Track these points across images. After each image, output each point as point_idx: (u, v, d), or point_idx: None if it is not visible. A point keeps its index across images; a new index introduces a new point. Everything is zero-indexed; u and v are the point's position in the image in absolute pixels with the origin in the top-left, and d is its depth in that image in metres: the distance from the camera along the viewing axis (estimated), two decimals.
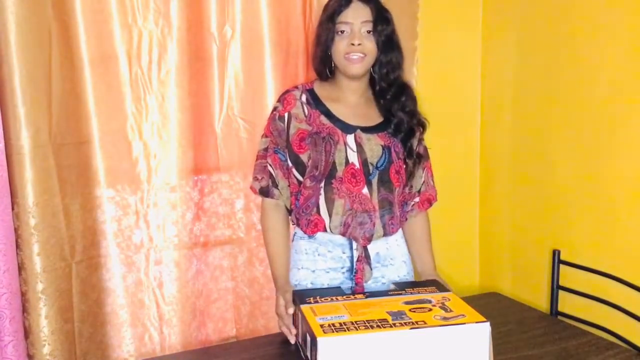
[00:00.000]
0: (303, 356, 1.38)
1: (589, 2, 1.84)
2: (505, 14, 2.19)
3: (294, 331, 1.47)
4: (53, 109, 1.67)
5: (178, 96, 1.82)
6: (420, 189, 1.68)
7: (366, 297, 1.43)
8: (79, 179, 1.74)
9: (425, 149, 1.69)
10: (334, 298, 1.42)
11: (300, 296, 1.45)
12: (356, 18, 1.50)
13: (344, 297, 1.43)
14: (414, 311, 1.33)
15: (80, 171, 1.74)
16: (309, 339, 1.30)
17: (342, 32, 1.51)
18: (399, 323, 1.27)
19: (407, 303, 1.38)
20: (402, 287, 1.50)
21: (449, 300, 1.40)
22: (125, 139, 1.79)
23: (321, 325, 1.27)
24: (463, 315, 1.32)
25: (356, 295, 1.44)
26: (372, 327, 1.26)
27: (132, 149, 1.80)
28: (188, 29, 1.81)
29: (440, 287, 1.51)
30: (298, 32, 1.95)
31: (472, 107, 2.34)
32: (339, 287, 1.54)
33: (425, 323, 1.28)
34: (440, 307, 1.36)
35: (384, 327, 1.26)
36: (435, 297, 1.42)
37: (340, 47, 1.51)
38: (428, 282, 1.56)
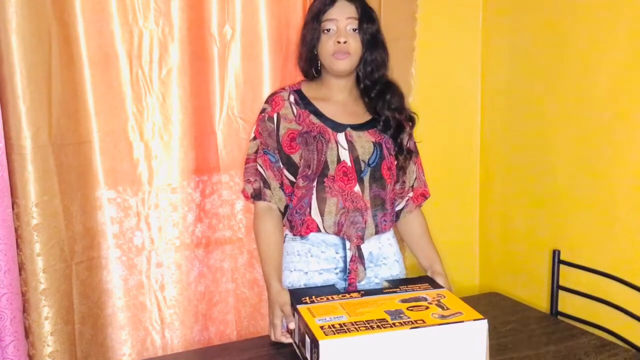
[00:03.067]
0: (301, 357, 1.38)
1: (589, 1, 1.84)
2: (505, 14, 2.19)
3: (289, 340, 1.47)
4: (53, 109, 1.66)
5: (179, 96, 1.82)
6: (413, 184, 1.68)
7: (362, 295, 1.42)
8: (79, 180, 1.74)
9: (415, 144, 1.69)
10: (329, 297, 1.42)
11: (296, 296, 1.44)
12: (341, 15, 1.51)
13: (340, 296, 1.43)
14: (412, 310, 1.34)
15: (81, 172, 1.74)
16: (308, 340, 1.30)
17: (328, 30, 1.52)
18: (399, 322, 1.27)
19: (403, 301, 1.38)
20: (395, 284, 1.50)
21: (444, 297, 1.41)
22: (126, 139, 1.79)
23: (321, 327, 1.26)
24: (460, 312, 1.32)
25: (351, 294, 1.44)
26: (372, 327, 1.26)
27: (132, 149, 1.80)
28: (189, 28, 1.81)
29: (433, 283, 1.51)
30: (298, 32, 1.94)
31: (472, 107, 2.34)
32: (333, 285, 1.54)
33: (424, 322, 1.28)
34: (436, 304, 1.36)
35: (384, 327, 1.26)
36: (430, 294, 1.42)
37: (327, 46, 1.52)
38: (421, 278, 1.56)
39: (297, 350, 1.41)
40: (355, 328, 1.25)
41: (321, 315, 1.31)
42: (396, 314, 1.32)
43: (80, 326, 1.76)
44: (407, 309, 1.34)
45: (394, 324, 1.27)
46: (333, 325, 1.27)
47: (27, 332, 1.68)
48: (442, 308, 1.35)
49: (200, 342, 1.93)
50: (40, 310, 1.67)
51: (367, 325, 1.27)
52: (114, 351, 1.83)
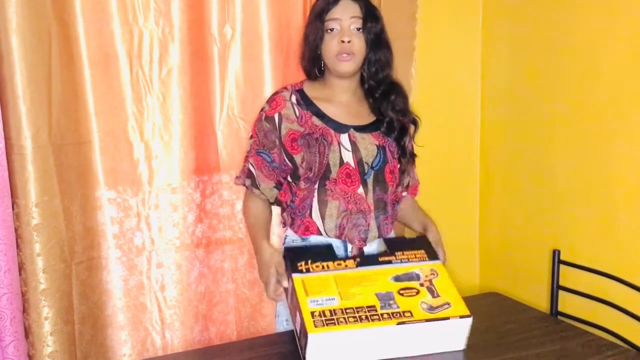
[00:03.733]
0: (292, 325, 1.40)
1: (589, 2, 1.84)
2: (505, 14, 2.19)
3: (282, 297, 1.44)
4: (53, 109, 1.66)
5: (179, 96, 1.81)
6: (408, 184, 1.69)
7: (357, 265, 1.43)
8: (79, 180, 1.74)
9: (413, 146, 1.69)
10: (325, 266, 1.42)
11: (291, 257, 1.43)
12: (345, 14, 1.49)
13: (336, 264, 1.43)
14: (402, 294, 1.37)
15: (81, 172, 1.74)
16: (298, 320, 1.33)
17: (332, 30, 1.50)
18: (387, 313, 1.32)
19: (396, 279, 1.40)
20: (392, 249, 1.50)
21: (437, 276, 1.43)
22: (126, 139, 1.79)
23: (312, 313, 1.30)
24: (448, 304, 1.36)
25: (347, 263, 1.43)
26: (360, 319, 1.30)
27: (133, 149, 1.80)
28: (189, 28, 1.80)
29: (429, 250, 1.50)
30: (298, 32, 1.94)
31: (472, 107, 2.34)
32: (331, 245, 1.51)
33: (411, 315, 1.33)
34: (427, 288, 1.39)
35: (373, 319, 1.30)
36: (424, 269, 1.44)
37: (330, 46, 1.50)
38: (418, 240, 1.55)
39: (290, 313, 1.43)
40: (344, 319, 1.30)
41: (314, 294, 1.34)
42: (386, 299, 1.35)
43: (80, 326, 1.76)
44: (398, 292, 1.37)
45: (382, 315, 1.31)
46: (323, 313, 1.30)
47: (27, 332, 1.68)
48: (432, 294, 1.38)
49: (200, 342, 1.93)
50: (40, 310, 1.67)
51: (356, 315, 1.31)
52: (114, 352, 1.83)
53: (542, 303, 2.05)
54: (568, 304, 1.95)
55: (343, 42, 1.48)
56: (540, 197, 2.07)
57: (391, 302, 1.35)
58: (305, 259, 1.42)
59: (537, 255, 2.08)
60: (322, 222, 1.53)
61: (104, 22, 1.72)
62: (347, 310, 1.32)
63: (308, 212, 1.53)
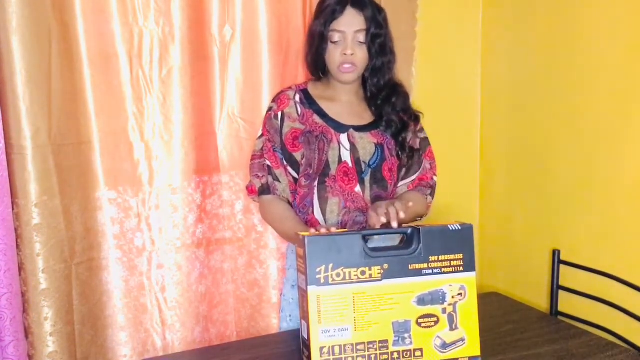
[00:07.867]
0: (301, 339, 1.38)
1: (589, 2, 1.84)
2: (505, 14, 2.19)
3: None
4: (53, 109, 1.66)
5: (180, 96, 1.81)
6: (417, 174, 1.68)
7: (383, 276, 1.29)
8: (79, 180, 1.73)
9: (423, 139, 1.69)
10: (347, 274, 1.27)
11: (312, 256, 1.26)
12: (349, 27, 1.50)
13: (359, 272, 1.28)
14: (420, 324, 1.31)
15: (81, 172, 1.73)
16: (305, 335, 1.30)
17: (336, 41, 1.51)
18: (397, 352, 1.29)
19: (419, 302, 1.31)
20: (428, 248, 1.32)
21: (464, 298, 1.34)
22: (126, 139, 1.78)
23: (321, 349, 1.26)
24: (463, 340, 1.34)
25: (372, 271, 1.28)
26: (369, 358, 1.28)
27: (133, 150, 1.80)
28: (189, 28, 1.80)
29: (468, 253, 1.34)
30: (298, 33, 1.94)
31: (472, 107, 2.34)
32: (359, 236, 1.30)
33: (421, 354, 1.31)
34: (448, 316, 1.33)
35: (382, 356, 1.28)
36: (454, 287, 1.33)
37: (333, 57, 1.52)
38: (460, 233, 1.34)
39: (299, 303, 1.37)
40: (352, 358, 1.27)
41: (327, 322, 1.27)
42: (402, 331, 1.30)
43: (81, 327, 1.75)
44: (417, 321, 1.31)
45: (392, 354, 1.29)
46: (332, 350, 1.26)
47: (27, 332, 1.67)
48: (451, 326, 1.33)
49: (201, 344, 1.92)
50: (40, 310, 1.67)
51: (365, 354, 1.28)
52: (114, 352, 1.82)
53: (542, 303, 2.05)
54: (568, 304, 1.95)
55: (345, 54, 1.49)
56: (540, 197, 2.08)
57: (406, 335, 1.30)
58: (326, 262, 1.26)
59: (537, 255, 2.08)
60: (324, 218, 1.54)
61: (104, 22, 1.71)
62: (358, 347, 1.28)
63: (310, 209, 1.55)
